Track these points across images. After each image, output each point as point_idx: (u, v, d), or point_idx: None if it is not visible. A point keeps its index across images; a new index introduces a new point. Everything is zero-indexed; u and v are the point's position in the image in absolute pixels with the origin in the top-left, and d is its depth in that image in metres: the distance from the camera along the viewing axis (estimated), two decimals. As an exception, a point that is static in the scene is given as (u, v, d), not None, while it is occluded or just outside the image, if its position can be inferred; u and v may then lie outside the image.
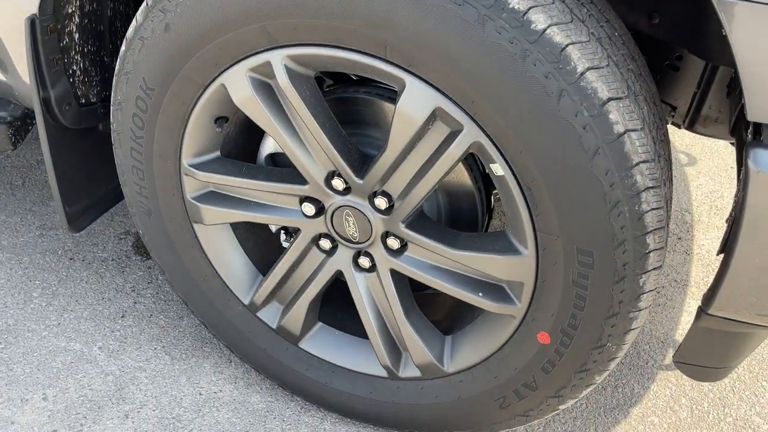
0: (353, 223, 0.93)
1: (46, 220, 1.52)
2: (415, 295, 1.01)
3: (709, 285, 0.80)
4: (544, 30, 0.68)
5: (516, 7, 0.67)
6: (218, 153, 0.98)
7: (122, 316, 1.29)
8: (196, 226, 1.04)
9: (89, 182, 1.14)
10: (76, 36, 1.00)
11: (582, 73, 0.68)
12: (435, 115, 0.78)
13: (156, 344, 1.24)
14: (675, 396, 1.21)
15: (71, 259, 1.41)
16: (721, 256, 0.77)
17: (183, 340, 1.25)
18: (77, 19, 0.98)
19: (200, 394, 1.15)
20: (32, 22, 0.92)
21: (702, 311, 0.81)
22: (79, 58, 1.02)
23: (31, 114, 1.17)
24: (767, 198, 0.69)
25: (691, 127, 1.04)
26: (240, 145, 1.02)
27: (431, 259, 0.91)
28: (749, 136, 0.70)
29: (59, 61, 0.98)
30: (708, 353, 0.87)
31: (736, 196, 0.74)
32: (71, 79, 1.02)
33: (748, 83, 0.65)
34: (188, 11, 0.81)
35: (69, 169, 1.09)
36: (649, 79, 0.80)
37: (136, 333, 1.25)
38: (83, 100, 1.06)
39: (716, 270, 0.80)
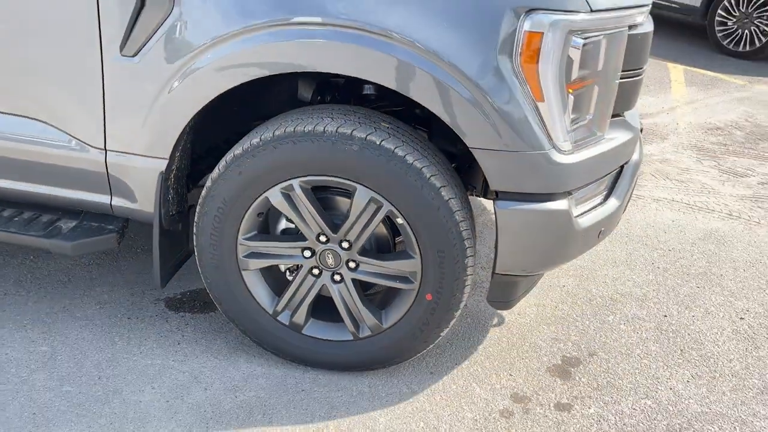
0: (331, 258, 1.89)
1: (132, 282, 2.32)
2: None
3: (494, 261, 1.84)
4: (395, 152, 1.69)
5: (387, 147, 1.69)
6: (256, 231, 1.91)
7: (180, 335, 2.12)
8: (243, 272, 1.94)
9: (171, 255, 2.01)
10: (173, 179, 1.90)
11: (422, 171, 1.70)
12: (370, 201, 1.77)
13: (218, 347, 2.08)
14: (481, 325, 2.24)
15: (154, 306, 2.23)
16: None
17: (228, 341, 2.10)
18: (174, 171, 1.89)
19: (246, 370, 2.01)
20: (161, 175, 1.82)
21: (493, 273, 1.85)
22: (173, 191, 1.92)
23: (127, 222, 2.03)
24: (507, 217, 1.73)
25: (483, 197, 2.10)
26: (265, 225, 1.96)
27: (372, 269, 1.88)
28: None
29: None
30: (501, 294, 1.90)
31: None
32: (170, 203, 1.92)
33: (489, 173, 1.71)
34: (253, 167, 1.76)
35: (164, 248, 1.96)
36: (456, 175, 1.85)
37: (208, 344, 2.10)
38: (173, 212, 1.95)
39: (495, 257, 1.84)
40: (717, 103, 5.00)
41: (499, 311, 2.35)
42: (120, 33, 1.68)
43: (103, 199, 1.93)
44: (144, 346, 2.11)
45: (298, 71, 1.68)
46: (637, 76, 1.93)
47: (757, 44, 6.25)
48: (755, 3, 6.19)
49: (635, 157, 2.11)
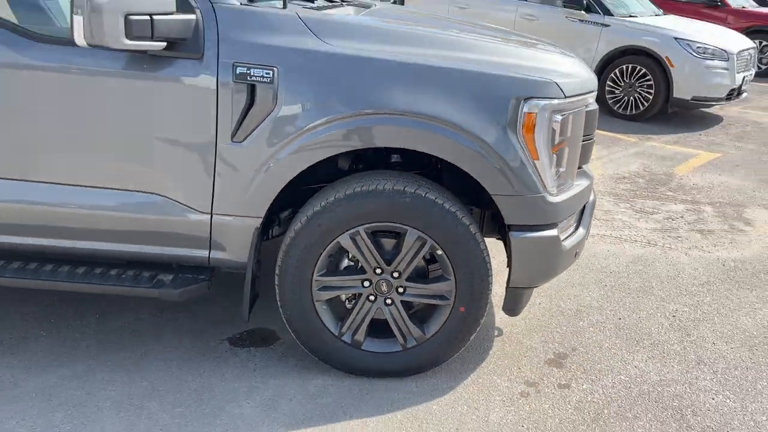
0: (384, 285, 2.47)
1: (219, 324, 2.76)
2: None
3: (507, 280, 2.49)
4: (435, 201, 2.34)
5: (430, 197, 2.34)
6: (326, 269, 2.47)
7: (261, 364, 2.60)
8: (316, 303, 2.48)
9: (253, 291, 2.52)
10: (260, 233, 2.44)
11: (455, 214, 2.36)
12: (417, 238, 2.38)
13: (296, 367, 2.58)
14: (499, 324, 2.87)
15: (220, 343, 2.69)
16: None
17: (296, 363, 2.60)
18: (262, 226, 2.43)
19: (319, 384, 2.52)
20: (256, 230, 2.36)
21: (507, 286, 2.50)
22: (259, 242, 2.45)
23: (213, 272, 2.53)
24: (518, 243, 2.40)
25: (490, 235, 2.76)
26: (333, 264, 2.51)
27: (416, 292, 2.48)
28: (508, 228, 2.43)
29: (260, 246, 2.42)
30: (512, 303, 2.55)
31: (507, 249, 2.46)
32: (257, 252, 2.44)
33: (504, 211, 2.38)
34: (329, 220, 2.34)
35: (252, 290, 2.47)
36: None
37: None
38: (258, 259, 2.47)
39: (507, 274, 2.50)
40: (619, 157, 6.02)
41: (497, 325, 2.99)
42: (232, 124, 2.25)
43: (202, 253, 2.43)
44: (227, 374, 2.57)
45: (362, 147, 2.30)
46: (591, 139, 2.69)
47: (641, 108, 7.46)
48: (636, 74, 7.43)
49: (591, 197, 2.87)
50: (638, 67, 7.40)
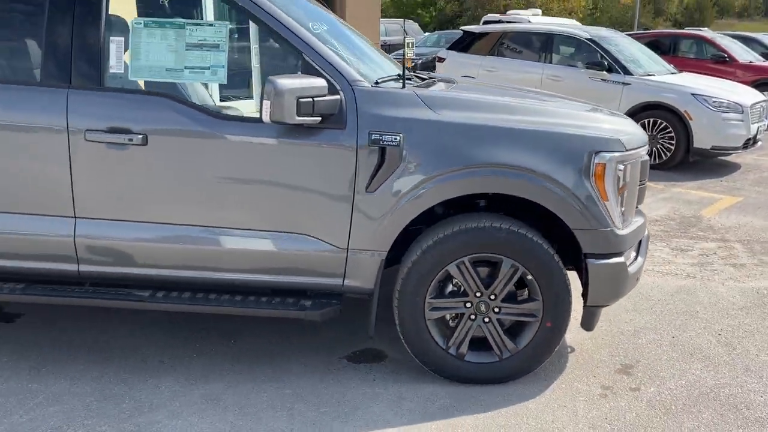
0: (483, 306, 3.02)
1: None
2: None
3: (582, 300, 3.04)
4: (526, 234, 2.92)
5: (521, 232, 2.91)
6: (435, 293, 3.02)
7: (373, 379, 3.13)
8: (427, 322, 3.02)
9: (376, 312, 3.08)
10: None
11: (542, 245, 2.93)
12: (511, 266, 2.95)
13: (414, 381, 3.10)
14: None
15: (343, 358, 3.23)
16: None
17: (409, 374, 3.12)
18: (384, 260, 3.00)
19: (431, 390, 3.03)
20: (382, 262, 2.94)
21: (585, 305, 3.05)
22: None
23: (341, 296, 3.09)
24: (594, 268, 2.96)
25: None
26: (440, 288, 3.06)
27: (510, 311, 3.03)
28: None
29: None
30: (589, 319, 3.09)
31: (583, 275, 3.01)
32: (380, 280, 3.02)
33: (582, 242, 2.94)
34: (441, 252, 2.91)
35: (375, 310, 3.03)
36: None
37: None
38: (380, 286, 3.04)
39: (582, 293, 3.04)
40: (649, 203, 6.58)
41: (568, 344, 3.51)
42: (366, 178, 2.86)
43: (338, 281, 3.00)
44: (353, 383, 3.11)
45: (468, 194, 2.90)
46: (644, 184, 3.27)
47: (665, 157, 8.07)
48: (658, 127, 8.07)
49: (645, 232, 3.43)
50: (660, 121, 8.04)
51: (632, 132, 3.14)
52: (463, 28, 11.33)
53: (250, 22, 2.93)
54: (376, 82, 2.98)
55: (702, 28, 22.64)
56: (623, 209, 3.03)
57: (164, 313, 3.67)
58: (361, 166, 2.86)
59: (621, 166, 2.96)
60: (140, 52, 2.86)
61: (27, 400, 2.92)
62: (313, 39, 2.90)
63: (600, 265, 2.97)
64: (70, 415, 2.82)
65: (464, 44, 10.21)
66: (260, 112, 2.65)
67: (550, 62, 9.12)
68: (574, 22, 19.53)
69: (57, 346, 3.38)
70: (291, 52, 2.91)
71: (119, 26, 2.96)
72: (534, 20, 15.92)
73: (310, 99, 2.68)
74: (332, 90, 2.81)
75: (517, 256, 2.93)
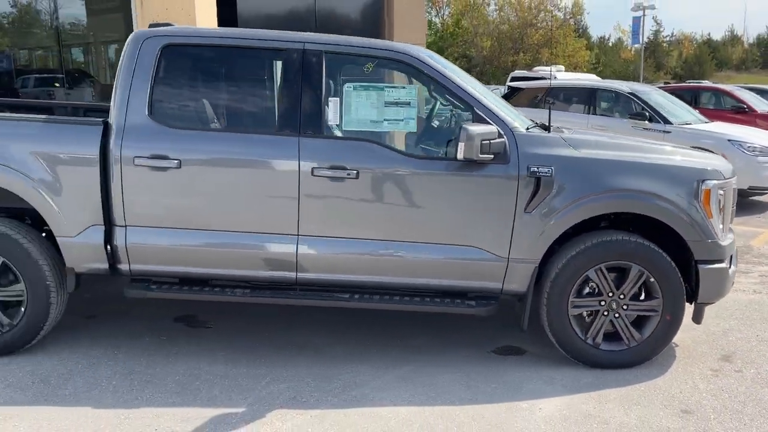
0: (614, 304, 3.79)
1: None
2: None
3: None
4: (649, 245, 3.71)
5: (646, 243, 3.71)
6: (576, 294, 3.79)
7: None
8: (570, 318, 3.79)
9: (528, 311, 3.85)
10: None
11: (662, 253, 3.72)
12: (638, 271, 3.73)
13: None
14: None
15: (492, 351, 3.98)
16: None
17: (550, 363, 3.87)
18: (537, 268, 3.79)
19: (576, 374, 3.77)
20: (535, 268, 3.73)
21: (696, 302, 3.82)
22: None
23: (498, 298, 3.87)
24: (704, 272, 3.74)
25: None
26: (580, 291, 3.83)
27: (635, 307, 3.79)
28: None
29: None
30: (698, 314, 3.86)
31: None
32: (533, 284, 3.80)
33: (695, 251, 3.74)
34: (583, 260, 3.71)
35: (527, 309, 3.80)
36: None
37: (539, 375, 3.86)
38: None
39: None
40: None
41: (673, 341, 4.26)
42: (525, 202, 3.67)
43: (498, 285, 3.79)
44: (507, 368, 3.86)
45: (603, 213, 3.71)
46: (734, 206, 4.08)
47: None
48: None
49: (735, 247, 4.22)
50: (700, 164, 8.90)
51: (726, 165, 3.98)
52: (510, 84, 12.38)
53: (434, 85, 3.82)
54: (528, 128, 3.84)
55: (702, 81, 23.83)
56: (722, 225, 3.83)
57: (351, 316, 4.45)
58: (521, 192, 3.68)
59: (721, 191, 3.78)
60: (350, 108, 3.73)
61: (259, 380, 3.68)
62: (481, 97, 3.78)
63: (708, 269, 3.76)
64: (297, 390, 3.57)
65: (508, 98, 11.21)
66: (455, 151, 3.50)
67: (594, 113, 10.07)
68: (594, 77, 20.71)
69: (259, 345, 4.15)
70: (465, 107, 3.78)
71: (334, 89, 3.84)
72: (559, 75, 17.05)
73: (488, 141, 3.53)
74: (499, 134, 3.65)
75: (643, 263, 3.72)
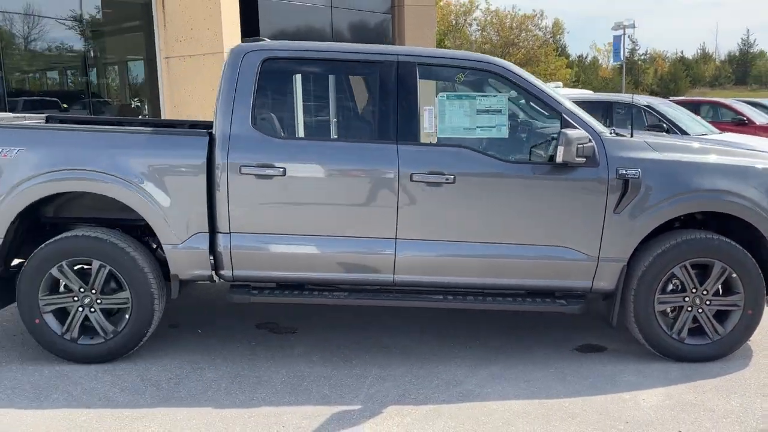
0: (698, 300, 3.97)
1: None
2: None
3: None
4: (730, 242, 3.91)
5: (728, 240, 3.90)
6: (660, 291, 3.96)
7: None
8: (657, 313, 3.95)
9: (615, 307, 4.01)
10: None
11: (743, 250, 3.91)
12: (721, 267, 3.92)
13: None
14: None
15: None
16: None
17: (637, 357, 4.02)
18: (626, 265, 3.96)
19: (661, 367, 3.94)
20: (624, 267, 3.90)
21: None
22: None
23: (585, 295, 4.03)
24: None
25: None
26: (664, 287, 4.01)
27: (718, 303, 3.97)
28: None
29: (620, 277, 3.95)
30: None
31: None
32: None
33: (769, 250, 3.95)
34: (670, 258, 3.89)
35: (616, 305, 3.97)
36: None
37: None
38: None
39: None
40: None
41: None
42: (614, 203, 3.85)
43: (587, 284, 3.95)
44: (593, 364, 4.01)
45: (687, 213, 3.91)
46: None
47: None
48: None
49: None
50: (718, 173, 9.20)
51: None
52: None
53: (524, 93, 4.01)
54: (613, 133, 4.03)
55: (677, 97, 24.51)
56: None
57: (423, 319, 4.58)
58: (610, 194, 3.86)
59: (789, 191, 4.00)
60: (444, 116, 3.90)
61: (361, 379, 3.79)
62: (569, 104, 3.98)
63: (787, 260, 3.98)
64: (403, 389, 3.69)
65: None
66: (554, 155, 3.69)
67: (611, 125, 10.33)
68: (588, 92, 21.16)
69: (345, 347, 4.25)
70: (553, 113, 3.97)
71: (428, 99, 4.01)
72: (559, 92, 17.40)
73: (582, 146, 3.71)
74: (589, 139, 3.84)
75: (726, 259, 3.91)
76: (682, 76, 66.56)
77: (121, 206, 3.86)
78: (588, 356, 4.16)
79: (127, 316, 3.87)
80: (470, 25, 56.11)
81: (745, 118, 14.23)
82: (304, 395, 3.60)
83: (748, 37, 78.23)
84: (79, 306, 3.86)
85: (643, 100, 10.36)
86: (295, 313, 4.80)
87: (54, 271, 3.81)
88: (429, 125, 3.90)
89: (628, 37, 50.67)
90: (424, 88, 4.04)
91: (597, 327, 4.61)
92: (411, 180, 3.81)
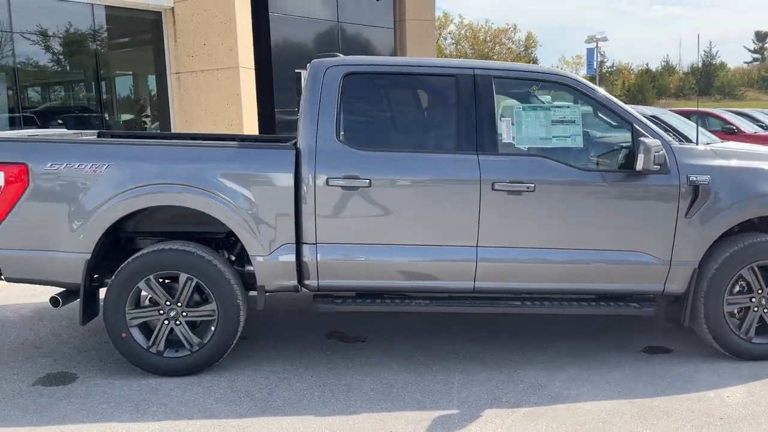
0: (765, 301, 4.14)
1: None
2: None
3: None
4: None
5: None
6: (729, 293, 4.12)
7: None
8: (726, 314, 4.11)
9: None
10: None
11: None
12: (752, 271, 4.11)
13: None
14: None
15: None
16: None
17: (701, 355, 4.17)
18: (697, 268, 4.11)
19: (729, 366, 4.09)
20: (695, 270, 4.05)
21: None
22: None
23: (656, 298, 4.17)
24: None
25: None
26: (732, 289, 4.16)
27: (782, 301, 4.17)
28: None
29: (690, 280, 4.10)
30: None
31: None
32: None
33: None
34: (738, 260, 4.05)
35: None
36: None
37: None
38: (685, 291, 4.14)
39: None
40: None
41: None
42: (685, 208, 4.01)
43: (659, 287, 4.09)
44: (665, 365, 4.14)
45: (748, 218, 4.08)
46: None
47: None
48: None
49: None
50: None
51: None
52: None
53: (595, 104, 4.15)
54: (679, 141, 4.20)
55: (647, 107, 25.19)
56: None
57: (486, 325, 4.67)
58: (681, 200, 4.01)
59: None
60: (522, 127, 4.03)
61: (449, 385, 3.86)
62: (639, 115, 4.13)
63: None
64: (493, 393, 3.77)
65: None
66: (625, 163, 3.85)
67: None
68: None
69: (419, 354, 4.32)
70: (623, 124, 4.12)
71: (506, 111, 4.13)
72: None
73: (657, 153, 3.87)
74: (661, 148, 4.00)
75: (792, 261, 4.10)
76: (649, 88, 68.11)
77: (197, 219, 3.90)
78: (657, 357, 4.29)
79: (212, 328, 3.89)
80: (445, 38, 56.85)
81: (734, 128, 14.69)
82: (399, 401, 3.66)
83: (710, 50, 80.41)
84: (165, 319, 3.88)
85: (647, 110, 10.65)
86: (360, 322, 4.85)
87: (141, 285, 3.82)
88: (507, 136, 4.02)
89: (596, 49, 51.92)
90: (501, 99, 4.16)
91: (656, 329, 4.76)
92: (492, 189, 3.92)
